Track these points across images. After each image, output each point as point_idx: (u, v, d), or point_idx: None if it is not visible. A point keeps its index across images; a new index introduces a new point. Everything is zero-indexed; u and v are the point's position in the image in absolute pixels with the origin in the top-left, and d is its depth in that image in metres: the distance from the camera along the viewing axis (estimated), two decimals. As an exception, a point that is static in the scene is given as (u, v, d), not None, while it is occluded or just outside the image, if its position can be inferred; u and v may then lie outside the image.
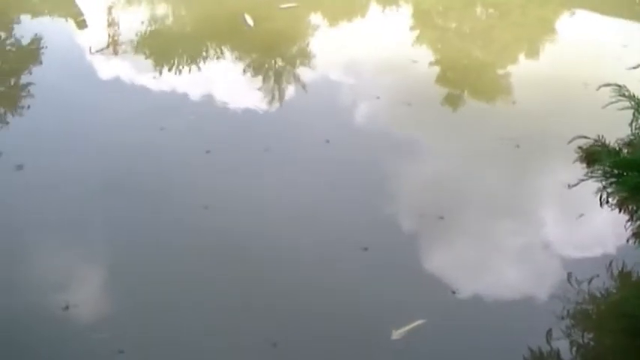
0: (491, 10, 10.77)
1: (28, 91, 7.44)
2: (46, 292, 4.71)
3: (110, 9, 9.90)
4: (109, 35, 9.05)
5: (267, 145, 6.48)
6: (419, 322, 4.50)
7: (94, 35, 9.00)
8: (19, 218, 5.40)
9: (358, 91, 7.73)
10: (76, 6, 9.68)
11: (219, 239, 5.22)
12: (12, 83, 7.77)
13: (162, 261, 5.02)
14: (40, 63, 8.02)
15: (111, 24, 9.43)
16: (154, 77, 7.81)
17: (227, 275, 4.89)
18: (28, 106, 7.14)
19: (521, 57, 9.15)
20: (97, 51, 8.40)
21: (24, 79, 7.73)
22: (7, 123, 6.90)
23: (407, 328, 4.46)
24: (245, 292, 4.78)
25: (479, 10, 10.90)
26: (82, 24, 9.22)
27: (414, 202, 5.84)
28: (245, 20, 9.24)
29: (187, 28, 9.66)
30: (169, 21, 9.79)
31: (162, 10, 10.06)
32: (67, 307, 4.54)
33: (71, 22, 9.29)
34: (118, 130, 6.65)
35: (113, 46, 8.71)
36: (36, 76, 7.75)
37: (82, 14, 9.45)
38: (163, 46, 8.86)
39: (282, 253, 5.13)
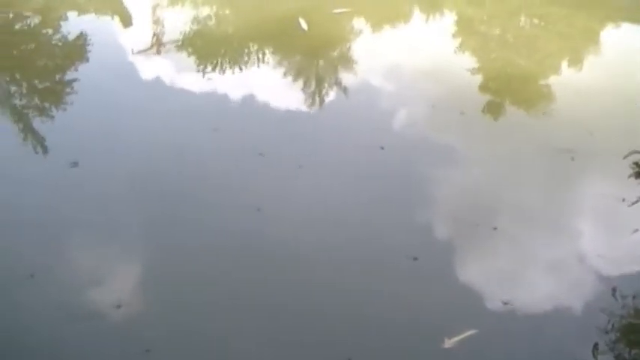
0: (535, 20, 10.67)
1: (73, 87, 7.47)
2: (98, 290, 4.74)
3: (155, 8, 9.94)
4: (153, 34, 9.06)
5: (320, 149, 6.48)
6: (471, 332, 4.44)
7: (139, 34, 9.06)
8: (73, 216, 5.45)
9: (411, 98, 7.67)
10: (122, 4, 9.72)
11: (268, 242, 5.19)
12: (57, 79, 7.80)
13: (211, 261, 5.00)
14: (86, 60, 8.06)
15: (155, 23, 9.46)
16: (198, 78, 7.81)
17: (274, 280, 4.86)
18: (72, 103, 7.18)
19: (566, 67, 9.05)
20: (140, 51, 8.42)
21: (69, 75, 7.77)
22: (52, 118, 6.97)
23: (459, 337, 4.40)
24: (295, 297, 4.76)
25: (523, 19, 10.81)
26: (127, 22, 9.27)
27: (467, 211, 5.76)
28: (299, 24, 9.23)
29: (231, 29, 9.63)
30: (214, 22, 9.77)
31: (206, 10, 10.04)
32: (119, 306, 4.58)
33: (117, 20, 9.36)
34: (163, 131, 6.65)
35: (157, 45, 8.74)
36: (81, 73, 7.78)
37: (128, 12, 9.51)
38: (209, 47, 8.86)
39: (333, 260, 5.09)
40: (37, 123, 6.80)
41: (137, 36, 8.91)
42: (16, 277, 4.72)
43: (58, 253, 4.98)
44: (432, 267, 5.06)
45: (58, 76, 7.86)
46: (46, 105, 7.20)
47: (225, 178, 5.97)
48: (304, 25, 9.16)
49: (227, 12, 9.97)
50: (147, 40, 8.83)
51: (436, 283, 4.92)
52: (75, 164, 5.96)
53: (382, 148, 6.53)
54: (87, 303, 4.59)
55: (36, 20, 9.00)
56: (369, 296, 4.77)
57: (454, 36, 9.76)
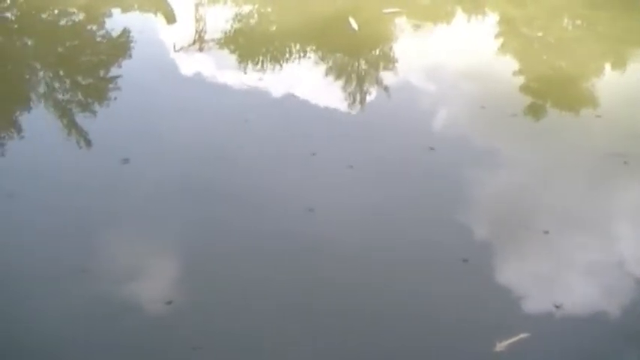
0: (578, 22, 10.54)
1: (116, 84, 7.52)
2: (145, 287, 4.78)
3: (198, 5, 9.95)
4: (196, 32, 9.09)
5: (369, 149, 6.44)
6: (523, 335, 4.38)
7: (182, 31, 9.06)
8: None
9: (459, 99, 7.60)
10: (166, 1, 9.74)
11: (320, 242, 5.19)
12: (101, 75, 7.85)
13: (262, 261, 5.02)
14: (129, 57, 8.10)
15: (198, 20, 9.47)
16: (240, 76, 7.81)
17: (325, 280, 4.87)
18: (115, 99, 7.23)
19: (611, 70, 8.90)
20: (183, 48, 8.45)
21: (112, 72, 7.82)
22: (95, 113, 7.02)
23: (511, 340, 4.35)
24: (345, 297, 4.75)
25: (566, 20, 10.67)
26: (171, 19, 9.28)
27: (518, 214, 5.70)
28: (350, 24, 9.17)
29: (274, 28, 9.55)
30: (257, 20, 9.72)
31: (249, 8, 9.99)
32: (169, 302, 4.61)
33: (160, 17, 9.38)
34: (207, 129, 6.68)
35: (199, 43, 8.76)
36: (124, 69, 7.83)
37: (171, 9, 9.53)
38: (252, 45, 8.83)
39: (383, 261, 5.07)
40: (80, 118, 6.85)
41: (180, 33, 8.91)
42: (67, 271, 4.80)
43: (108, 248, 5.02)
44: (483, 269, 5.02)
45: (101, 73, 7.91)
46: (90, 101, 7.26)
47: (275, 178, 5.95)
48: (354, 25, 9.09)
49: (269, 10, 9.94)
50: (189, 37, 8.85)
51: (487, 284, 4.88)
52: (126, 161, 6.00)
53: (432, 148, 6.49)
54: (136, 299, 4.64)
55: (80, 16, 9.05)
56: (418, 297, 4.76)
57: (496, 37, 9.68)
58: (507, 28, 10.09)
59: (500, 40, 9.51)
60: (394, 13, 9.77)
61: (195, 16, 9.57)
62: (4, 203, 5.50)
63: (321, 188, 5.84)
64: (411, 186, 5.96)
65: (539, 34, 10.20)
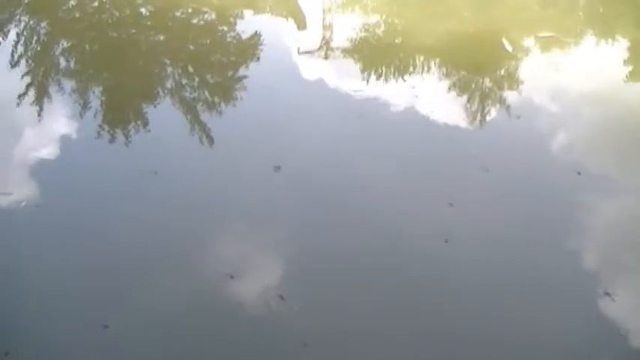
0: None
1: (243, 84, 7.66)
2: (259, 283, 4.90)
3: (326, 12, 10.02)
4: (322, 38, 9.17)
5: (507, 172, 6.36)
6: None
7: (309, 36, 9.16)
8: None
9: (594, 123, 7.45)
10: (297, 6, 9.86)
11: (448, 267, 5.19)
12: (229, 75, 8.01)
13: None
14: (257, 59, 8.23)
15: (325, 27, 9.53)
16: (362, 85, 7.83)
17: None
18: (241, 99, 7.38)
19: None
20: (308, 53, 8.53)
21: (240, 72, 7.96)
22: (221, 113, 7.17)
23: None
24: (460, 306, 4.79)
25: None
26: (301, 25, 9.37)
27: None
28: (504, 45, 9.01)
29: (400, 39, 9.51)
30: (383, 30, 9.67)
31: (376, 18, 9.95)
32: (281, 297, 4.71)
33: (291, 22, 9.47)
34: (329, 133, 6.76)
35: (325, 49, 8.83)
36: (252, 70, 7.96)
37: (302, 15, 9.62)
38: (376, 55, 8.83)
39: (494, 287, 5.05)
40: (206, 116, 7.04)
41: (307, 38, 9.01)
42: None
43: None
44: (593, 300, 4.92)
45: (229, 72, 8.06)
46: (215, 99, 7.44)
47: (397, 194, 5.97)
48: (508, 47, 8.94)
49: (396, 20, 9.92)
50: (316, 42, 8.94)
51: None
52: (278, 169, 6.12)
53: (579, 173, 6.35)
54: (248, 294, 4.73)
55: (213, 16, 9.22)
56: (527, 322, 4.72)
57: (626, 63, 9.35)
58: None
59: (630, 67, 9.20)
60: (549, 38, 9.53)
61: (324, 23, 9.65)
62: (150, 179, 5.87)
63: (454, 214, 5.79)
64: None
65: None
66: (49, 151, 6.35)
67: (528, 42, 9.39)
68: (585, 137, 7.14)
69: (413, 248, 5.27)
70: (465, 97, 7.89)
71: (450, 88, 8.05)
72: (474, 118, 7.51)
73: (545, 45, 9.30)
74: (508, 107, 7.72)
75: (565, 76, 8.53)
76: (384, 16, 9.95)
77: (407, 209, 5.74)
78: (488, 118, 7.61)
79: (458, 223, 5.57)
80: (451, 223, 5.57)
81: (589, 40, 9.96)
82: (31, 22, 8.83)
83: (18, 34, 8.42)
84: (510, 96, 7.99)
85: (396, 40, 9.42)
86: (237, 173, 6.07)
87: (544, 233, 5.59)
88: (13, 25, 8.68)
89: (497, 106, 7.85)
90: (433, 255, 5.22)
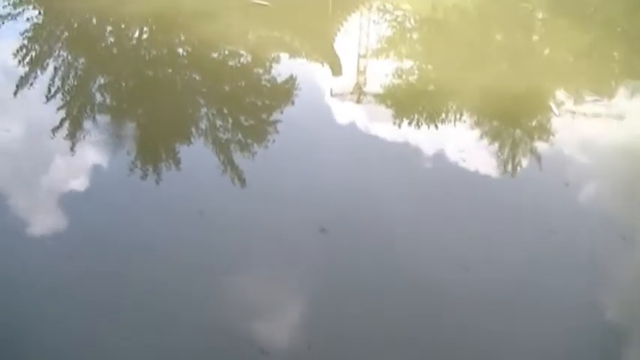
0: None
1: (276, 127, 7.70)
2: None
3: (361, 57, 10.11)
4: (356, 83, 9.23)
5: (517, 218, 6.27)
6: None
7: (343, 80, 9.20)
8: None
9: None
10: (333, 51, 9.95)
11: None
12: (263, 117, 8.04)
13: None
14: (292, 103, 8.27)
15: (359, 71, 9.61)
16: (394, 129, 7.85)
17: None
18: (274, 141, 7.40)
19: None
20: (340, 96, 8.57)
21: (274, 115, 7.99)
22: (254, 154, 7.18)
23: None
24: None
25: None
26: (337, 70, 9.43)
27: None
28: (551, 108, 8.90)
29: (433, 86, 9.57)
30: (417, 76, 9.76)
31: (410, 64, 10.05)
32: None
33: (327, 67, 9.53)
34: (362, 176, 6.77)
35: (358, 93, 8.87)
36: (286, 114, 7.99)
37: (338, 60, 9.71)
38: (408, 101, 8.86)
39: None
40: (239, 158, 7.04)
41: (341, 82, 9.06)
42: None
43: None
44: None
45: (263, 115, 8.10)
46: (249, 141, 7.47)
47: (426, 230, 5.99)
48: (556, 110, 8.81)
49: (429, 67, 9.98)
50: (349, 86, 9.00)
51: None
52: (323, 231, 6.01)
53: (624, 239, 6.18)
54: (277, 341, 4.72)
55: (249, 58, 9.36)
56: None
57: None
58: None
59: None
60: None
61: (358, 68, 9.73)
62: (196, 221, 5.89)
63: (475, 245, 5.81)
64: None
65: None
66: (79, 186, 6.41)
67: (569, 101, 9.24)
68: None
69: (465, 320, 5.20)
70: (496, 146, 7.85)
71: (481, 137, 8.02)
72: (506, 168, 7.48)
73: (584, 102, 9.32)
74: (547, 162, 7.64)
75: (604, 132, 8.51)
76: (417, 63, 10.03)
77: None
78: (523, 171, 7.53)
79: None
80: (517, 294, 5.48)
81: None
82: (69, 57, 8.97)
83: (55, 68, 8.55)
84: (547, 151, 7.88)
85: (429, 88, 9.46)
86: (273, 228, 5.99)
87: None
88: (51, 59, 8.82)
89: (536, 160, 7.73)
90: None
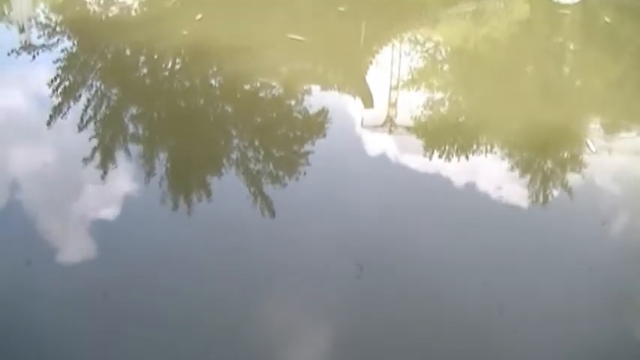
0: None
1: (307, 159, 7.70)
2: None
3: (392, 89, 10.12)
4: (388, 115, 9.22)
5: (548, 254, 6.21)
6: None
7: (375, 112, 9.21)
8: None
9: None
10: (365, 83, 9.99)
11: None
12: (294, 149, 8.05)
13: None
14: (323, 135, 8.25)
15: (390, 103, 9.59)
16: (425, 162, 7.82)
17: None
18: (304, 173, 7.41)
19: None
20: (373, 128, 8.56)
21: (305, 147, 8.00)
22: (285, 186, 7.18)
23: None
24: None
25: None
26: (368, 103, 9.41)
27: None
28: (587, 144, 8.67)
29: (464, 118, 9.54)
30: (447, 108, 9.73)
31: (441, 95, 10.06)
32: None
33: (359, 100, 9.51)
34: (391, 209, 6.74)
35: (389, 125, 8.86)
36: (317, 146, 7.99)
37: (369, 93, 9.71)
38: (440, 132, 8.84)
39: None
40: (269, 189, 7.03)
41: (373, 114, 9.08)
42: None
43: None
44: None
45: (295, 147, 8.12)
46: (280, 173, 7.45)
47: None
48: (592, 147, 8.57)
49: (460, 98, 9.95)
50: (381, 118, 9.02)
51: None
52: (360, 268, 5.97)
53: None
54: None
55: (281, 90, 9.38)
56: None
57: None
58: None
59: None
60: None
61: (389, 100, 9.73)
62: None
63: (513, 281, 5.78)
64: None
65: None
66: (109, 215, 6.43)
67: (604, 135, 9.12)
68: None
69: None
70: (531, 179, 7.77)
71: (513, 169, 7.95)
72: (541, 202, 7.39)
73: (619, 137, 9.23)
74: (584, 197, 7.55)
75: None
76: (448, 94, 10.01)
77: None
78: (559, 206, 7.43)
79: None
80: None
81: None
82: (102, 87, 9.03)
83: (88, 99, 8.61)
84: (583, 186, 7.78)
85: (460, 119, 9.41)
86: (295, 241, 6.10)
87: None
88: (84, 89, 8.89)
89: (572, 194, 7.61)
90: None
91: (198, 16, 11.27)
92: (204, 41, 10.36)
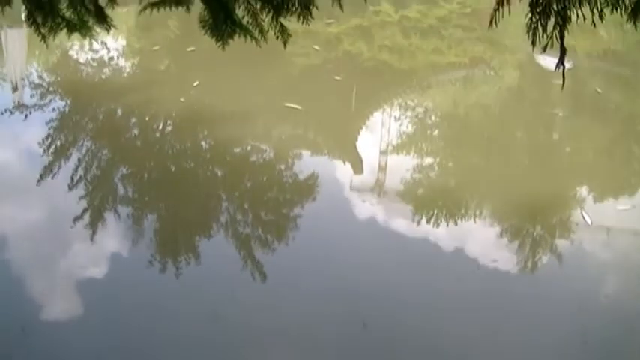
0: None
1: (296, 224, 7.69)
2: None
3: (382, 154, 10.20)
4: (377, 179, 9.29)
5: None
6: None
7: (363, 177, 9.25)
8: None
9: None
10: (355, 150, 10.07)
11: None
12: (283, 213, 8.07)
13: None
14: (313, 199, 8.25)
15: (380, 168, 9.67)
16: (413, 227, 7.80)
17: None
18: (293, 238, 7.40)
19: None
20: (360, 192, 8.59)
21: (295, 211, 8.03)
22: (274, 250, 7.17)
23: None
24: None
25: None
26: (358, 169, 9.46)
27: None
28: (583, 217, 8.29)
29: (453, 183, 9.56)
30: (437, 173, 9.76)
31: (430, 160, 10.08)
32: None
33: (348, 166, 9.55)
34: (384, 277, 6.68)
35: (378, 190, 8.89)
36: (306, 210, 8.00)
37: (359, 159, 9.76)
38: (428, 198, 8.88)
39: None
40: (259, 253, 7.01)
41: (362, 179, 9.13)
42: None
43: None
44: None
45: (283, 211, 8.14)
46: (269, 237, 7.45)
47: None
48: (588, 219, 8.25)
49: (450, 164, 10.01)
50: (370, 182, 9.07)
51: None
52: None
53: None
54: None
55: (271, 155, 9.47)
56: None
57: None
58: None
59: None
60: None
61: (379, 164, 9.81)
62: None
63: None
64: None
65: None
66: (96, 276, 6.44)
67: (596, 205, 9.00)
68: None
69: None
70: (516, 246, 7.74)
71: (501, 235, 7.97)
72: (525, 267, 7.38)
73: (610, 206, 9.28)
74: (579, 269, 7.49)
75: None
76: (438, 159, 10.06)
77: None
78: (554, 276, 7.35)
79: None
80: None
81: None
82: (92, 148, 9.08)
83: (79, 159, 8.64)
84: (576, 257, 7.73)
85: (450, 184, 9.45)
86: (290, 325, 5.97)
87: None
88: (75, 149, 8.93)
89: (568, 266, 7.55)
90: None
91: (196, 83, 11.44)
92: (199, 107, 10.50)
